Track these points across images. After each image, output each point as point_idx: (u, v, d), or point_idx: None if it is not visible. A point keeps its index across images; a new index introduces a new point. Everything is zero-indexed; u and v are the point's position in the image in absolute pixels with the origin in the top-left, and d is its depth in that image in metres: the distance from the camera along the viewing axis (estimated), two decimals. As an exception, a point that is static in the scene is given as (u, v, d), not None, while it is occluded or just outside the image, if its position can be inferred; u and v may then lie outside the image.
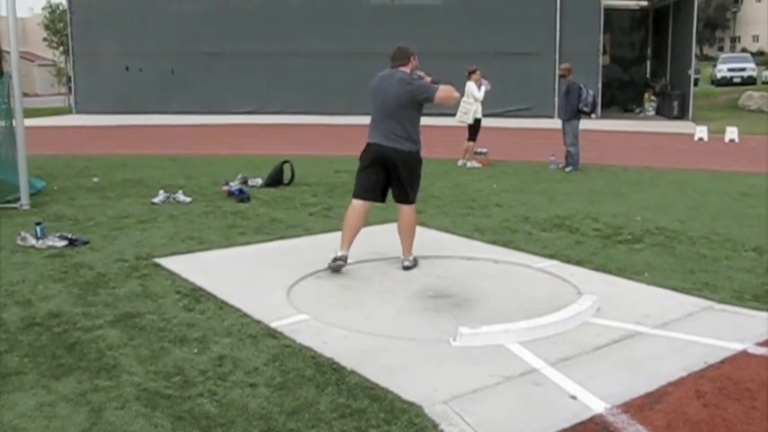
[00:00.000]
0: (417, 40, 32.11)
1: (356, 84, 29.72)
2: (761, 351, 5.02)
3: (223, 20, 31.56)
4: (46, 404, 4.18)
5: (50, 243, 7.94)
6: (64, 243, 7.97)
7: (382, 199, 7.26)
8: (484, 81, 14.96)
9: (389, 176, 7.07)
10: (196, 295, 6.22)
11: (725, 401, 4.25)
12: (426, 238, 8.39)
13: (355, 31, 30.24)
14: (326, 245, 8.00)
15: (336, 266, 6.91)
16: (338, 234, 8.64)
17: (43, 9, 48.21)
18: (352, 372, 4.62)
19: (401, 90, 6.91)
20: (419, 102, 6.96)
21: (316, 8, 30.75)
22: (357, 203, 7.11)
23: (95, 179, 13.01)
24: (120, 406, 4.16)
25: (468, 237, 8.57)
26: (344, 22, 30.50)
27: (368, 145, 7.13)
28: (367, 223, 9.10)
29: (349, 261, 7.25)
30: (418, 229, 8.91)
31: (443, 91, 6.91)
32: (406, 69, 7.08)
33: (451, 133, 17.22)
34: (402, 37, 32.21)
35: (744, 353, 5.00)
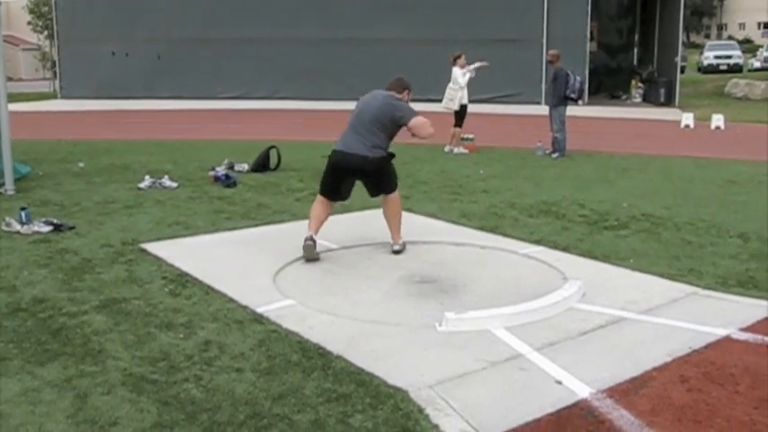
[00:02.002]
0: (405, 26, 32.10)
1: (343, 69, 29.88)
2: (744, 336, 5.06)
3: (210, 5, 31.37)
4: (31, 390, 4.17)
5: (36, 228, 7.90)
6: (49, 228, 7.93)
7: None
8: (468, 67, 14.93)
9: (358, 179, 7.31)
10: (182, 280, 6.21)
11: (708, 386, 4.28)
12: (413, 224, 8.41)
13: (343, 16, 30.13)
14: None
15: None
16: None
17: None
18: (339, 357, 4.63)
19: (384, 104, 7.08)
20: (395, 120, 7.04)
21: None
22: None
23: (81, 164, 12.94)
24: (105, 391, 4.16)
25: (454, 222, 8.58)
26: (333, 8, 30.36)
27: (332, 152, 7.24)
28: (351, 209, 9.16)
29: (335, 247, 7.27)
30: (405, 214, 8.91)
31: (420, 120, 7.06)
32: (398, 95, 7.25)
33: (438, 119, 17.17)
34: (389, 23, 32.21)
35: (727, 338, 5.03)
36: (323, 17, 30.28)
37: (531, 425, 3.86)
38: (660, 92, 29.65)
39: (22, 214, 8.03)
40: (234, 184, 10.87)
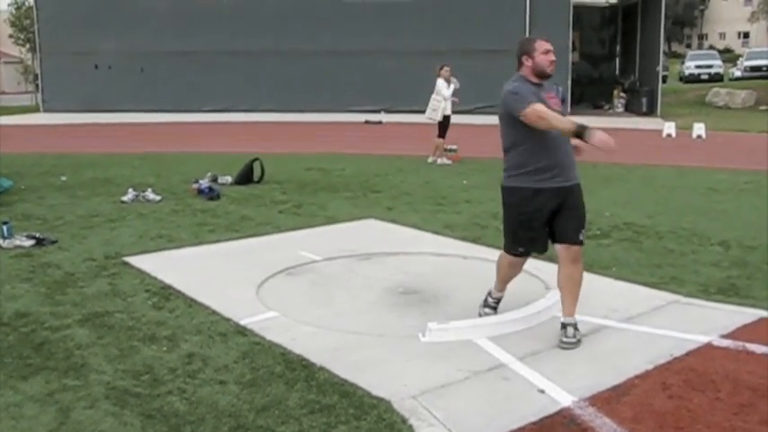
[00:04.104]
0: (388, 38, 32.15)
1: (327, 81, 29.92)
2: (725, 343, 5.09)
3: (193, 18, 31.38)
4: (13, 404, 4.15)
5: (18, 242, 7.87)
6: (31, 242, 7.90)
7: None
8: (453, 79, 15.00)
9: None
10: (165, 293, 6.20)
11: (690, 393, 4.31)
12: (396, 235, 8.45)
13: (326, 29, 30.21)
14: (296, 242, 8.03)
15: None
16: (309, 231, 8.71)
17: (9, 5, 47.75)
18: (322, 368, 4.63)
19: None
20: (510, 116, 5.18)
21: (287, 6, 30.65)
22: None
23: (64, 178, 12.90)
24: (88, 405, 4.15)
25: (437, 233, 8.60)
26: (315, 21, 30.43)
27: None
28: (335, 221, 9.20)
29: (318, 258, 7.29)
30: (389, 226, 8.94)
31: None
32: (520, 73, 5.29)
33: (421, 130, 17.26)
34: (372, 35, 32.27)
35: (708, 345, 5.06)
36: (306, 30, 30.33)
37: (513, 434, 3.88)
38: (642, 101, 29.89)
39: (4, 228, 8.00)
40: (217, 197, 10.86)
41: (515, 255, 5.51)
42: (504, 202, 5.46)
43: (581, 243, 5.22)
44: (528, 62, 5.19)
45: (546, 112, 4.97)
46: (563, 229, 5.20)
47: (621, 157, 16.27)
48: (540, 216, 5.21)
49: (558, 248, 5.26)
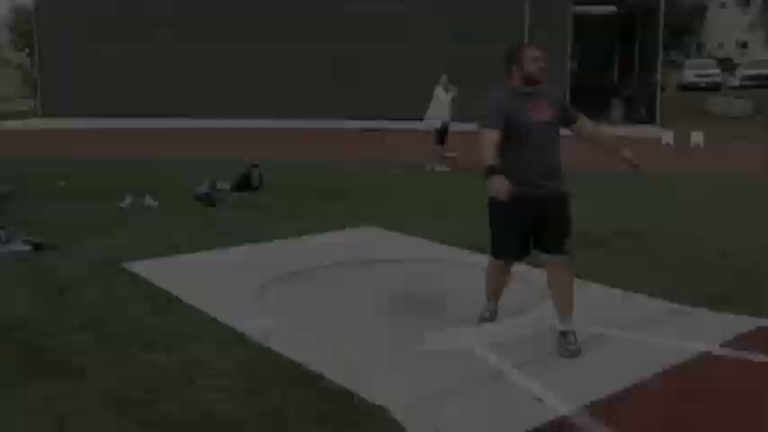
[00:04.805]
0: (389, 47, 32.06)
1: (325, 88, 29.94)
2: (723, 352, 5.09)
3: (193, 23, 31.41)
4: (10, 411, 4.14)
5: (15, 248, 7.85)
6: (29, 248, 7.88)
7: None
8: (451, 86, 15.03)
9: None
10: (164, 299, 6.18)
11: (689, 402, 4.31)
12: (395, 242, 8.44)
13: (327, 36, 30.24)
14: (295, 249, 8.02)
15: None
16: (307, 238, 8.71)
17: (9, 10, 47.79)
18: (320, 375, 4.62)
19: None
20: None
21: (288, 13, 30.70)
22: None
23: (62, 183, 12.88)
24: (86, 412, 4.13)
25: (437, 240, 8.58)
26: (316, 28, 30.48)
27: None
28: (334, 227, 9.19)
29: (317, 265, 7.28)
30: (388, 233, 8.94)
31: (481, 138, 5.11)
32: (510, 83, 5.35)
33: (420, 137, 17.25)
34: (374, 44, 32.25)
35: (708, 354, 5.06)
36: (306, 37, 30.37)
37: (512, 442, 3.87)
38: (641, 110, 29.94)
39: (2, 234, 7.98)
40: (216, 203, 10.85)
41: (495, 258, 5.53)
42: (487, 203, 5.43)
43: (566, 253, 5.22)
44: (517, 71, 5.17)
45: (482, 144, 4.99)
46: (547, 241, 5.23)
47: (619, 165, 16.33)
48: (514, 221, 5.21)
49: (545, 259, 5.27)
